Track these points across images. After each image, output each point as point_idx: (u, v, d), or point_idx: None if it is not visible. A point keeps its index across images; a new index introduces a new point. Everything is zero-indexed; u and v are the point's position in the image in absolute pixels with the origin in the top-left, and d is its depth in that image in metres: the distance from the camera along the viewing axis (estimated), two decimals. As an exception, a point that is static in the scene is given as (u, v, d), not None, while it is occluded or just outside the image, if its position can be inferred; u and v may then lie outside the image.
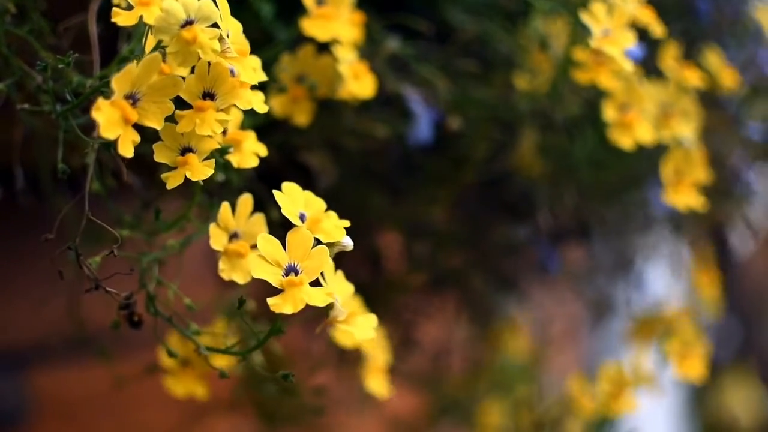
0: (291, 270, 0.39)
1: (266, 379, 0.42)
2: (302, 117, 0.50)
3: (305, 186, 0.49)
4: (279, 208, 0.40)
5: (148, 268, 0.43)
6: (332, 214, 0.42)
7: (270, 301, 0.38)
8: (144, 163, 0.40)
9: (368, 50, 0.54)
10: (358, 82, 0.50)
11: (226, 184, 0.45)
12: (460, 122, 0.60)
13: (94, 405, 0.75)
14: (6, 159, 0.48)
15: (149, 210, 0.47)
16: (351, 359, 0.50)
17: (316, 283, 0.39)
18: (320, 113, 0.52)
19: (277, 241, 0.39)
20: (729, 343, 1.54)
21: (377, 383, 0.53)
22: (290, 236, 0.39)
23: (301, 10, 0.49)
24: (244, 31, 0.41)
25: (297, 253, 0.39)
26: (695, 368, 0.70)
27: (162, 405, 0.57)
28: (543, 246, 0.70)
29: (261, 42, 0.52)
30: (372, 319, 0.42)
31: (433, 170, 0.64)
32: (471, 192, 0.67)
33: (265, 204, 0.44)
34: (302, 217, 0.41)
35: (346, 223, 0.42)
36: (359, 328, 0.41)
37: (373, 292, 0.44)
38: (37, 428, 0.73)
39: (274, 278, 0.39)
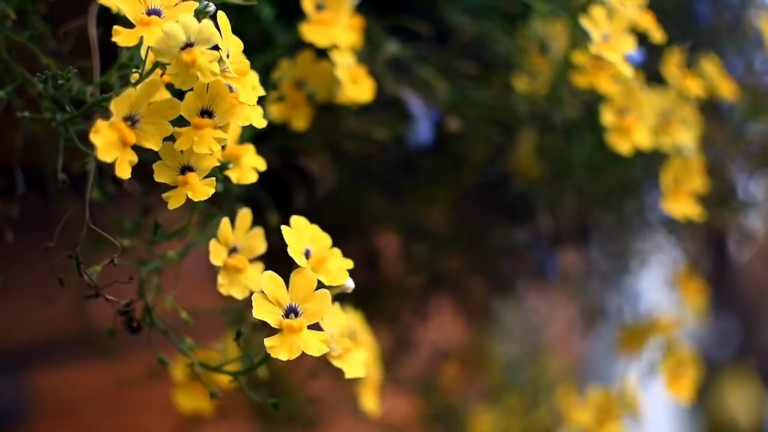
0: (291, 311, 0.39)
1: (262, 386, 0.42)
2: (300, 122, 0.50)
3: (304, 189, 0.49)
4: (278, 213, 0.40)
5: (147, 278, 0.43)
6: (336, 251, 0.42)
7: (267, 342, 0.39)
8: (144, 168, 0.40)
9: (368, 52, 0.54)
10: (357, 87, 0.50)
11: (226, 192, 0.45)
12: (459, 123, 0.60)
13: (95, 405, 0.75)
14: (9, 162, 0.48)
15: (149, 216, 0.47)
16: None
17: (314, 326, 0.40)
18: (320, 116, 0.52)
19: (281, 280, 0.39)
20: (728, 344, 1.54)
21: (370, 400, 0.53)
22: (294, 277, 0.40)
23: (301, 14, 0.49)
24: (244, 34, 0.41)
25: (299, 294, 0.40)
26: (685, 389, 0.70)
27: (162, 406, 0.57)
28: (542, 249, 0.70)
29: (260, 44, 0.52)
30: (363, 354, 0.43)
31: (431, 171, 0.64)
32: (469, 194, 0.67)
33: (263, 208, 0.44)
34: (307, 254, 0.41)
35: (350, 264, 0.42)
36: (351, 365, 0.42)
37: (370, 294, 0.44)
38: (37, 428, 0.73)
39: (273, 318, 0.39)
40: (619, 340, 0.76)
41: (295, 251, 0.40)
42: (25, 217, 0.50)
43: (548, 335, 0.88)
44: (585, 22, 0.51)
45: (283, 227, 0.41)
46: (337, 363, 0.42)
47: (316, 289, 0.40)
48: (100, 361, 0.58)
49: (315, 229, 0.42)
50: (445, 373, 0.80)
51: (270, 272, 0.39)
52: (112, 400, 0.74)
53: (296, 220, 0.42)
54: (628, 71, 0.52)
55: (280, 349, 0.38)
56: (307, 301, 0.40)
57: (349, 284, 0.42)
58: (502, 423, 0.79)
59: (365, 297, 0.49)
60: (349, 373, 0.42)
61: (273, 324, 0.39)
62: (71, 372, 0.74)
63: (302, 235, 0.41)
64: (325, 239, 0.42)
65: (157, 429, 0.73)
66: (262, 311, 0.39)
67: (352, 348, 0.42)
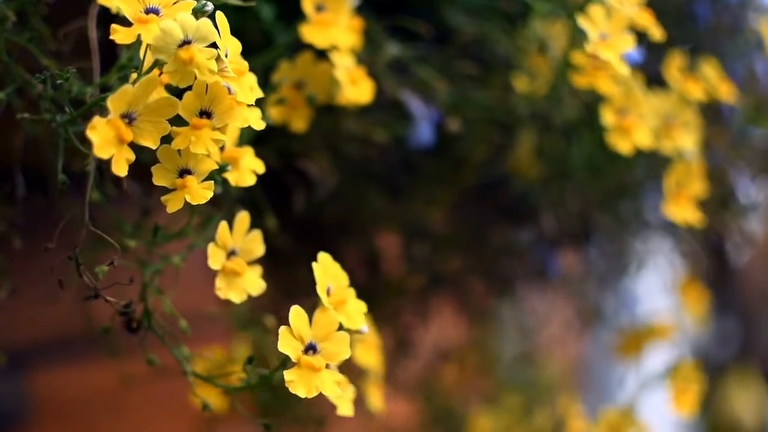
0: (310, 348, 0.40)
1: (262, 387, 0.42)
2: (300, 123, 0.50)
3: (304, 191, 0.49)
4: (276, 216, 0.40)
5: (150, 281, 0.43)
6: (351, 291, 0.43)
7: (287, 377, 0.39)
8: (143, 169, 0.40)
9: (368, 53, 0.54)
10: (356, 88, 0.50)
11: (225, 193, 0.45)
12: (459, 124, 0.60)
13: (94, 406, 0.75)
14: (9, 162, 0.48)
15: (149, 217, 0.47)
16: (346, 368, 0.51)
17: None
18: (320, 117, 0.52)
19: (307, 317, 0.40)
20: (731, 344, 1.53)
21: (376, 398, 0.54)
22: (318, 315, 0.41)
23: (301, 14, 0.49)
24: (243, 34, 0.41)
25: (320, 333, 0.41)
26: (689, 404, 0.70)
27: (163, 406, 0.57)
28: (543, 249, 0.70)
29: (260, 45, 0.52)
30: (351, 391, 0.44)
31: (431, 171, 0.64)
32: (470, 194, 0.67)
33: (263, 210, 0.44)
34: (328, 291, 0.42)
35: (365, 308, 0.43)
36: (343, 401, 0.43)
37: (370, 294, 0.44)
38: (37, 429, 0.73)
39: (294, 353, 0.40)
40: (617, 346, 0.77)
41: (321, 289, 0.41)
42: (26, 217, 0.50)
43: (546, 336, 0.88)
44: (582, 21, 0.51)
45: (314, 264, 0.42)
46: (332, 398, 0.43)
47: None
48: (101, 361, 0.58)
49: (336, 266, 0.43)
50: (446, 375, 0.80)
51: (297, 307, 0.40)
52: (113, 399, 0.74)
53: (323, 256, 0.43)
54: (625, 70, 0.51)
55: (299, 386, 0.40)
56: (326, 340, 0.41)
57: (365, 330, 0.43)
58: (502, 425, 0.79)
59: (365, 297, 0.49)
60: (341, 410, 0.43)
61: (293, 358, 0.40)
62: (71, 372, 0.74)
63: (327, 271, 0.42)
64: (344, 278, 0.43)
65: (160, 429, 0.73)
66: (286, 346, 0.40)
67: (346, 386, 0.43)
